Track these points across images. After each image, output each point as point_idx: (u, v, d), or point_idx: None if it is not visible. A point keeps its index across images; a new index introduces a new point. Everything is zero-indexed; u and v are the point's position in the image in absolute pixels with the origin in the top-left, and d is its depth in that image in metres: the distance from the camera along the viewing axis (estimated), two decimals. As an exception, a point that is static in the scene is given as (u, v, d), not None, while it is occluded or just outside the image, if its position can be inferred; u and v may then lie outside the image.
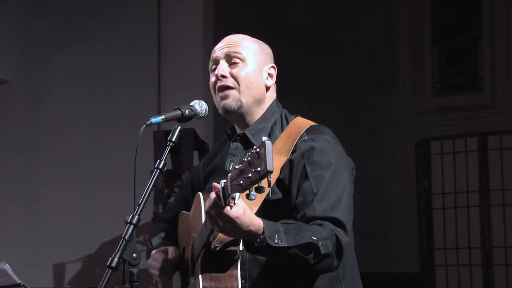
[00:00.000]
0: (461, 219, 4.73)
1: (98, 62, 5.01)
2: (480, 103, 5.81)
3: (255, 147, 1.49)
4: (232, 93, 1.88)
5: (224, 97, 1.89)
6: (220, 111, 1.92)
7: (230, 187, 1.53)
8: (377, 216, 5.55)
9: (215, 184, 1.62)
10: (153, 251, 2.01)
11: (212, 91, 1.94)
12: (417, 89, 6.04)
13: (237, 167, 1.52)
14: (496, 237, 4.65)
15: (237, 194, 1.54)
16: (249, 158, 1.49)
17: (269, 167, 1.44)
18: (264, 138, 1.46)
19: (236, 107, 1.89)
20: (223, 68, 1.89)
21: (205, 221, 1.78)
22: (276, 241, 1.65)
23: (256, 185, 1.48)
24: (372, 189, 5.09)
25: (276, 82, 1.98)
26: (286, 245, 1.66)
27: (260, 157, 1.46)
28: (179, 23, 4.78)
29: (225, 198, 1.56)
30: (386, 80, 6.00)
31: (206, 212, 1.65)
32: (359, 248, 1.88)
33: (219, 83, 1.89)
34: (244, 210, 1.63)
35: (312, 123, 1.91)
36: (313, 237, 1.69)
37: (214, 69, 1.93)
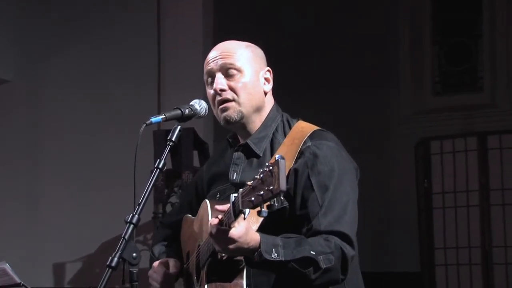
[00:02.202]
0: (461, 219, 4.72)
1: (98, 62, 5.01)
2: (480, 102, 5.81)
3: (268, 164, 1.49)
4: (232, 105, 1.87)
5: (225, 109, 1.87)
6: (221, 122, 1.91)
7: (241, 203, 1.53)
8: (377, 216, 5.55)
9: (217, 207, 1.65)
10: (154, 263, 2.01)
11: (211, 104, 1.92)
12: (417, 88, 6.03)
13: (249, 183, 1.52)
14: (496, 236, 4.65)
15: (247, 210, 1.54)
16: (261, 176, 1.49)
17: (282, 187, 1.45)
18: (277, 157, 1.46)
19: (237, 118, 1.88)
20: (220, 81, 1.87)
21: None
22: (273, 255, 1.66)
23: (268, 203, 1.48)
24: (372, 189, 5.09)
25: (274, 83, 1.96)
26: (283, 259, 1.67)
27: (274, 176, 1.46)
28: (178, 21, 4.78)
29: (235, 213, 1.57)
30: (386, 79, 5.99)
31: (209, 234, 1.66)
32: (359, 248, 1.88)
33: (218, 98, 1.88)
34: (246, 229, 1.64)
35: (315, 127, 1.90)
36: (311, 251, 1.69)
37: (211, 82, 1.91)
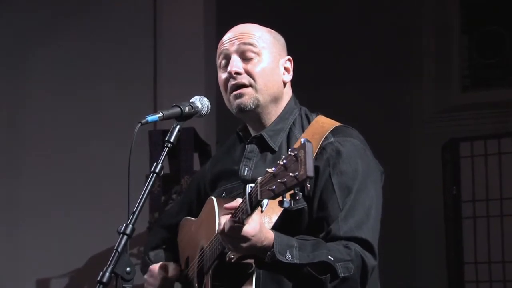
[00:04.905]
0: (494, 230, 4.72)
1: (86, 55, 5.01)
2: (515, 99, 5.81)
3: (291, 149, 1.49)
4: (248, 91, 1.88)
5: (239, 95, 1.88)
6: (233, 110, 1.92)
7: (260, 193, 1.52)
8: (399, 226, 5.53)
9: (226, 205, 1.65)
10: (151, 267, 2.02)
11: (222, 89, 1.94)
12: (443, 83, 6.03)
13: (269, 170, 1.52)
14: (534, 250, 4.66)
15: (266, 201, 1.54)
16: (284, 162, 1.49)
17: (309, 173, 1.44)
18: (302, 140, 1.46)
19: (253, 106, 1.89)
20: (236, 64, 1.88)
21: None
22: (287, 256, 1.66)
23: (292, 191, 1.48)
24: (393, 196, 5.04)
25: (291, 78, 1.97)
26: (298, 262, 1.67)
27: (299, 160, 1.45)
28: (177, 9, 4.78)
29: (252, 205, 1.57)
30: (408, 73, 5.99)
31: (219, 232, 1.66)
32: (379, 262, 1.87)
33: (232, 82, 1.89)
34: (260, 226, 1.64)
35: (337, 123, 1.91)
36: (329, 257, 1.69)
37: (224, 65, 1.92)
